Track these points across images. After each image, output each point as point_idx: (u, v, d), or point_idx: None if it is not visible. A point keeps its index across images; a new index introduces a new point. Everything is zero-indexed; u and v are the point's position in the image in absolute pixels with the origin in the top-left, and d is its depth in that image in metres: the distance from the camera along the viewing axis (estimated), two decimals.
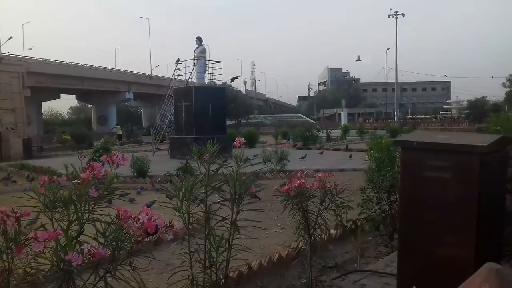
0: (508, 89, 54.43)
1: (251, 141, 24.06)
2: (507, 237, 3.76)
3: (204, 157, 2.90)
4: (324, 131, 33.52)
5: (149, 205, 6.11)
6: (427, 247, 2.83)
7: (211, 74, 20.60)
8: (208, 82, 20.76)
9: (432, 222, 2.80)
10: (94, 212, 2.11)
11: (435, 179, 2.78)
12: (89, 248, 1.81)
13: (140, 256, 2.08)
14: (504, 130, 4.89)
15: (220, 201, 2.99)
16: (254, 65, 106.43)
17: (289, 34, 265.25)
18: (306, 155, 16.60)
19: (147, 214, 1.88)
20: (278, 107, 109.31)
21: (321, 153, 18.59)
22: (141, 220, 1.86)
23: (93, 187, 2.06)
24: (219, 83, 22.65)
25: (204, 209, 2.88)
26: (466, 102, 79.27)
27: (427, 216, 2.83)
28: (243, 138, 3.13)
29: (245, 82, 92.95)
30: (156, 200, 7.09)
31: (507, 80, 52.97)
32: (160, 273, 3.98)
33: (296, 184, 3.24)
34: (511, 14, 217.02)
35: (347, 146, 22.32)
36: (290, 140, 27.85)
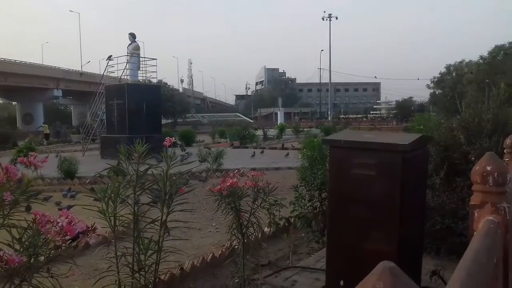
0: (432, 90, 58.22)
1: (188, 140, 23.79)
2: (428, 231, 4.00)
3: (133, 157, 2.81)
4: (261, 130, 33.81)
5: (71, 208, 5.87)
6: (353, 243, 2.92)
7: (145, 72, 20.12)
8: (142, 80, 20.23)
9: (359, 218, 2.89)
10: (10, 217, 1.97)
11: (361, 176, 2.88)
12: (1, 255, 1.68)
13: (61, 262, 1.97)
14: (426, 128, 5.20)
15: (149, 202, 2.91)
16: (191, 64, 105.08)
17: (227, 33, 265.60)
18: (254, 152, 17.61)
19: (66, 218, 1.78)
20: (216, 106, 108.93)
21: (262, 152, 18.91)
22: (60, 224, 1.76)
23: (8, 190, 1.92)
24: (154, 80, 22.14)
25: (132, 211, 2.79)
26: (394, 103, 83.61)
27: (354, 213, 2.92)
28: (173, 138, 3.07)
29: (182, 81, 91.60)
30: (83, 204, 6.79)
31: (431, 82, 56.61)
32: (87, 278, 3.82)
33: (229, 184, 3.23)
34: (434, 21, 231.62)
35: (283, 145, 22.67)
36: (227, 139, 27.83)
